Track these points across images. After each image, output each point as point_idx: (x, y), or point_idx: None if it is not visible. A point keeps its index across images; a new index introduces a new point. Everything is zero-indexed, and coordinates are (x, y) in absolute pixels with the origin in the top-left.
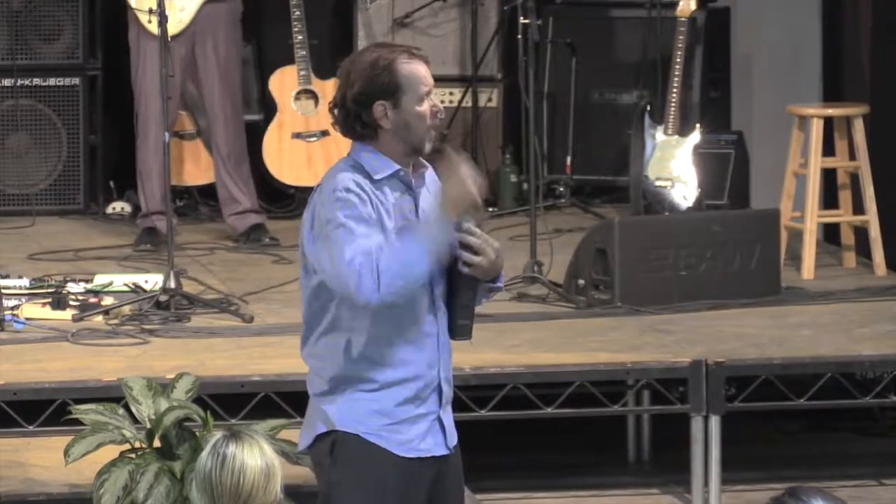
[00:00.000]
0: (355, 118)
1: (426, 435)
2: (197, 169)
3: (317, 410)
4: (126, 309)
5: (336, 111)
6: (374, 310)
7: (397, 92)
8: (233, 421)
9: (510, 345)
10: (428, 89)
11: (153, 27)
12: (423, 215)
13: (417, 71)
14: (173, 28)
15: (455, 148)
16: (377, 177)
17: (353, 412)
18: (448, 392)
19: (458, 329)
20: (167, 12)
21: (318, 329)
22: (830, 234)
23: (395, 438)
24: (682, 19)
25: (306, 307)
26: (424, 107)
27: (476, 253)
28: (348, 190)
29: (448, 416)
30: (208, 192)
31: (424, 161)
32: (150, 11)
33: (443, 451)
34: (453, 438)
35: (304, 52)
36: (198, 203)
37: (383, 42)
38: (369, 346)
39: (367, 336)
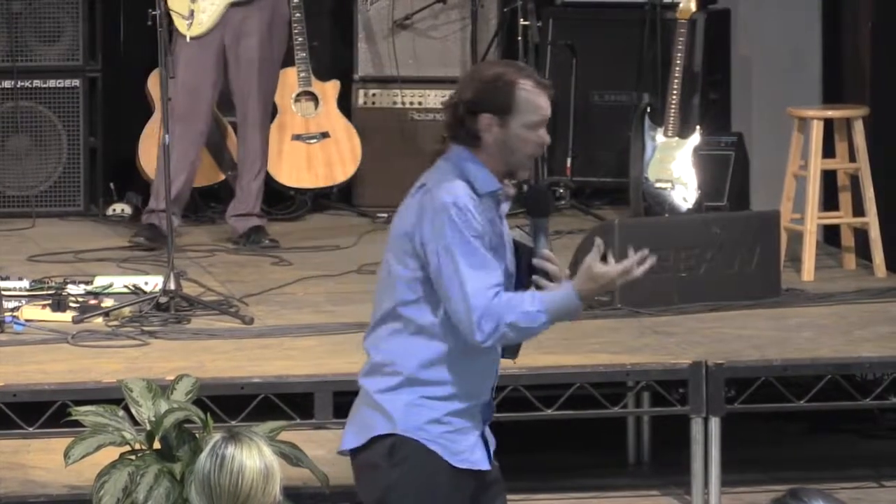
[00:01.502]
0: (460, 122)
1: (475, 447)
2: (199, 171)
3: (375, 409)
4: (126, 311)
5: (446, 111)
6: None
7: (509, 111)
8: (232, 423)
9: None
10: (541, 119)
11: (182, 26)
12: (506, 234)
13: (537, 100)
14: (195, 29)
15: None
16: (482, 191)
17: (416, 417)
18: (491, 408)
19: (511, 349)
20: (194, 15)
21: (396, 324)
22: (830, 235)
23: (451, 447)
24: (682, 21)
25: (394, 299)
26: (532, 135)
27: (551, 279)
28: (465, 208)
29: (490, 436)
30: (209, 194)
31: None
32: (151, 11)
33: (487, 466)
34: (491, 456)
35: (304, 54)
36: (199, 205)
37: (515, 62)
38: (449, 355)
39: (449, 346)
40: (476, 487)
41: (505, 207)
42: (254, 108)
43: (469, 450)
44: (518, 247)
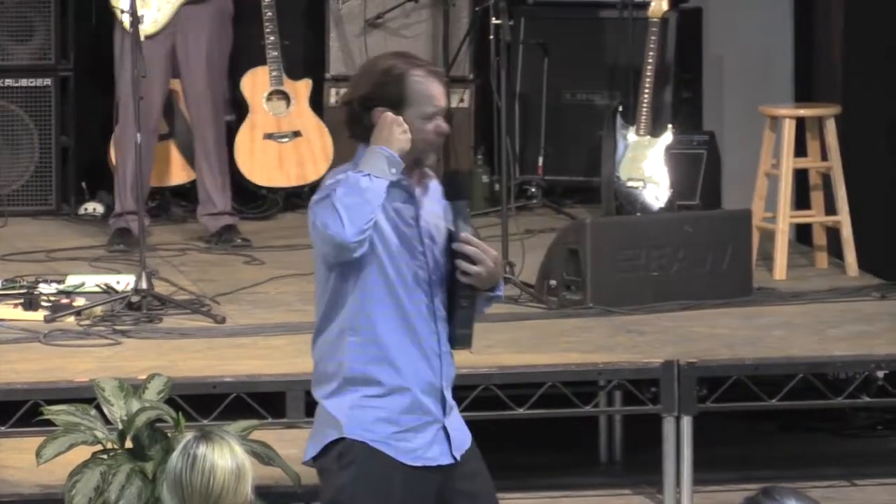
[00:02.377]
0: (357, 119)
1: (432, 444)
2: (169, 170)
3: (325, 416)
4: (98, 310)
5: (344, 108)
6: (370, 310)
7: (401, 104)
8: (204, 422)
9: (482, 345)
10: (436, 110)
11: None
12: (423, 222)
13: (429, 89)
14: (150, 28)
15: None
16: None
17: (360, 419)
18: (450, 400)
19: (459, 338)
20: (144, 10)
21: (327, 329)
22: (802, 234)
23: (402, 447)
24: (654, 20)
25: (318, 306)
26: (428, 126)
27: (474, 262)
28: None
29: (453, 425)
30: (180, 193)
31: (430, 171)
32: (122, 12)
33: (448, 461)
34: (461, 447)
35: (275, 53)
36: (170, 204)
37: (406, 53)
38: (374, 349)
39: (372, 340)
40: (441, 482)
41: (423, 196)
42: (207, 106)
43: (424, 447)
44: (450, 236)
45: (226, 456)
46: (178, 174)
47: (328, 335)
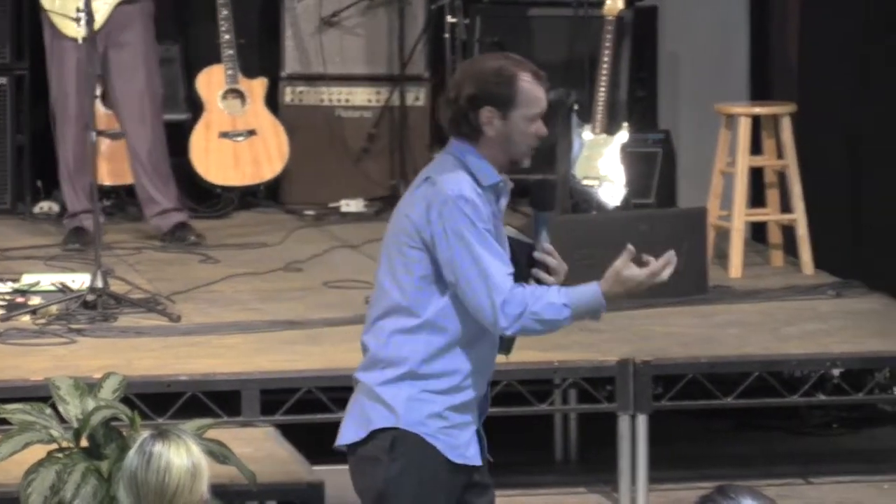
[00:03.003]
0: (462, 117)
1: (471, 443)
2: (123, 168)
3: (376, 402)
4: (53, 308)
5: (446, 106)
6: (456, 315)
7: (510, 104)
8: (160, 420)
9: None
10: (540, 112)
11: (69, 29)
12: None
13: (536, 92)
14: (85, 30)
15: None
16: (485, 183)
17: (417, 411)
18: (487, 403)
19: (506, 344)
20: (80, 14)
21: (403, 319)
22: (758, 232)
23: (449, 442)
24: (610, 18)
25: (397, 292)
26: (532, 128)
27: (550, 273)
28: (473, 201)
29: (482, 428)
30: (135, 192)
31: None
32: (78, 10)
33: (479, 462)
34: (484, 452)
35: (231, 52)
36: (125, 202)
37: (513, 56)
38: (451, 349)
39: (452, 339)
40: (467, 482)
41: (503, 202)
42: (146, 104)
43: (465, 445)
44: (512, 243)
45: (182, 454)
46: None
47: (403, 324)
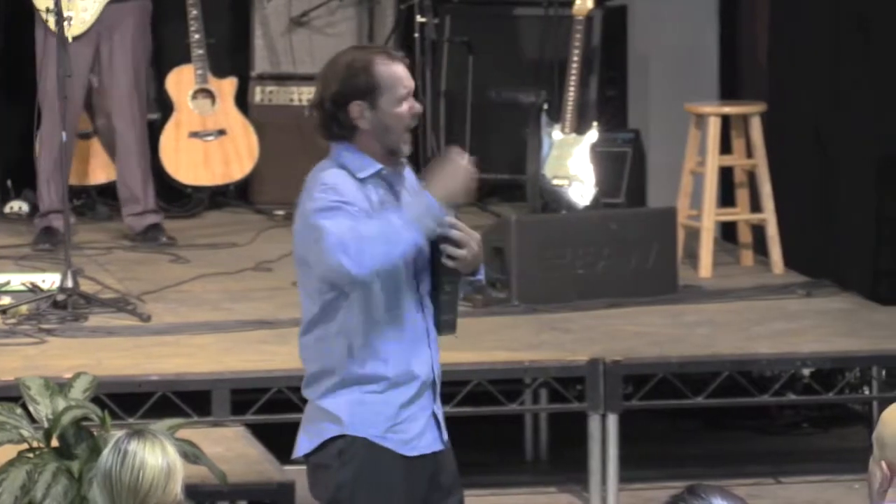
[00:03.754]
0: (332, 119)
1: (424, 431)
2: (94, 168)
3: (320, 413)
4: (23, 308)
5: (314, 113)
6: (366, 308)
7: (374, 92)
8: (130, 420)
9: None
10: (407, 91)
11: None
12: (406, 197)
13: (396, 72)
14: (77, 28)
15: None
16: (361, 175)
17: (361, 415)
18: (438, 387)
19: (443, 324)
20: (70, 13)
21: (317, 330)
22: (727, 232)
23: (399, 438)
24: (579, 18)
25: (307, 307)
26: (403, 108)
27: (459, 246)
28: (333, 185)
29: (440, 411)
30: (106, 192)
31: (403, 159)
32: (48, 11)
33: (439, 447)
34: (445, 433)
35: (200, 51)
36: (95, 202)
37: (361, 45)
38: (369, 345)
39: (365, 336)
40: (433, 469)
41: (402, 189)
42: (131, 105)
43: (418, 436)
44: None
45: (157, 454)
46: (103, 173)
47: (319, 335)
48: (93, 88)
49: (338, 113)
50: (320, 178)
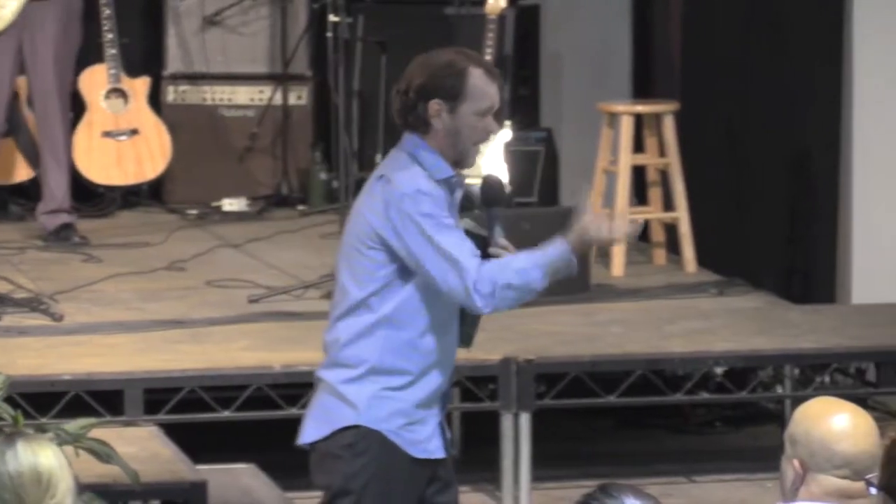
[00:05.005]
0: (411, 108)
1: (433, 437)
2: (9, 168)
3: (339, 399)
4: None
5: (396, 97)
6: (427, 307)
7: (459, 97)
8: (43, 420)
9: (321, 343)
10: (489, 107)
11: None
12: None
13: (487, 88)
14: None
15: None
16: (436, 177)
17: (379, 408)
18: (448, 397)
19: (466, 338)
20: None
21: (358, 316)
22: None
23: (410, 438)
24: (492, 17)
25: (357, 290)
26: (480, 122)
27: None
28: (429, 193)
29: (444, 421)
30: (18, 191)
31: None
32: None
33: (443, 454)
34: (449, 442)
35: (113, 51)
36: (8, 202)
37: (468, 52)
38: (411, 345)
39: (412, 336)
40: (430, 475)
41: (458, 196)
42: (53, 104)
43: (427, 439)
44: (468, 236)
45: (45, 449)
46: (19, 172)
47: (362, 321)
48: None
49: (418, 104)
50: (413, 180)
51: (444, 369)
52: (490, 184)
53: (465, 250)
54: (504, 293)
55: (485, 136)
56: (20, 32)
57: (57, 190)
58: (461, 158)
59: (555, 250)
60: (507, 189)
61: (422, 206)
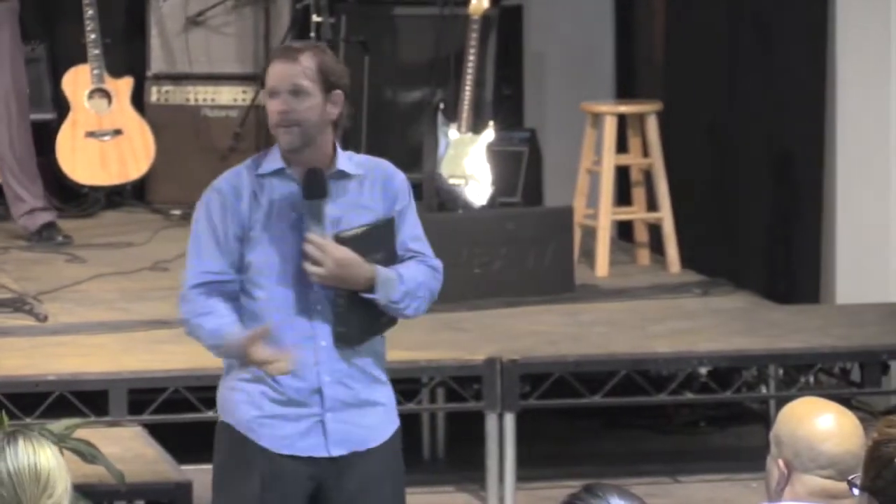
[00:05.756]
0: None
1: (307, 434)
2: None
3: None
4: None
5: None
6: (256, 302)
7: (264, 85)
8: (28, 420)
9: None
10: (272, 88)
11: None
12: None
13: (272, 69)
14: None
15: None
16: (261, 172)
17: (228, 402)
18: (333, 395)
19: (337, 336)
20: None
21: None
22: (624, 231)
23: (266, 433)
24: (475, 17)
25: None
26: (270, 106)
27: (316, 263)
28: (209, 198)
29: (338, 420)
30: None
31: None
32: None
33: (321, 454)
34: (346, 443)
35: (97, 51)
36: None
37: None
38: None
39: (249, 327)
40: (316, 474)
41: (344, 198)
42: (13, 103)
43: (297, 435)
44: (371, 229)
45: (44, 446)
46: None
47: None
48: None
49: None
50: (222, 176)
51: (297, 367)
52: (309, 177)
53: (194, 262)
54: (191, 328)
55: (275, 118)
56: None
57: (21, 191)
58: (280, 145)
59: (229, 331)
60: (327, 182)
61: (200, 204)
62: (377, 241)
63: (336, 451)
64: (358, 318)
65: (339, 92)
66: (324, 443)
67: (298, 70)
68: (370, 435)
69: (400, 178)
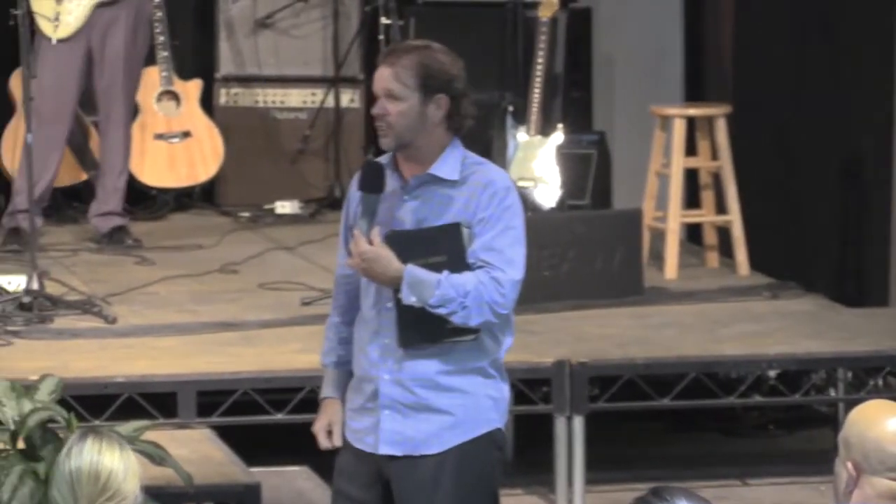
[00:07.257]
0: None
1: (370, 431)
2: (62, 170)
3: None
4: None
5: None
6: (360, 300)
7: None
8: (96, 422)
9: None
10: (374, 91)
11: (47, 28)
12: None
13: (376, 72)
14: (62, 32)
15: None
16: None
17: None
18: (389, 394)
19: (398, 338)
20: (60, 17)
21: None
22: (693, 234)
23: (349, 425)
24: (544, 20)
25: None
26: (374, 108)
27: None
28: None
29: (393, 420)
30: (72, 194)
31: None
32: (11, 11)
33: (377, 450)
34: (394, 444)
35: (165, 53)
36: (61, 204)
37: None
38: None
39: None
40: (378, 471)
41: (413, 183)
42: (117, 107)
43: (364, 430)
44: (437, 230)
45: (114, 450)
46: (70, 175)
47: None
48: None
49: None
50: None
51: (364, 361)
52: (366, 170)
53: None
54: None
55: (376, 120)
56: (88, 36)
57: (112, 193)
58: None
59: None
60: (384, 178)
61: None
62: (436, 245)
63: (386, 450)
64: (416, 320)
65: (441, 96)
66: (375, 442)
67: (392, 74)
68: (425, 441)
69: (494, 189)
